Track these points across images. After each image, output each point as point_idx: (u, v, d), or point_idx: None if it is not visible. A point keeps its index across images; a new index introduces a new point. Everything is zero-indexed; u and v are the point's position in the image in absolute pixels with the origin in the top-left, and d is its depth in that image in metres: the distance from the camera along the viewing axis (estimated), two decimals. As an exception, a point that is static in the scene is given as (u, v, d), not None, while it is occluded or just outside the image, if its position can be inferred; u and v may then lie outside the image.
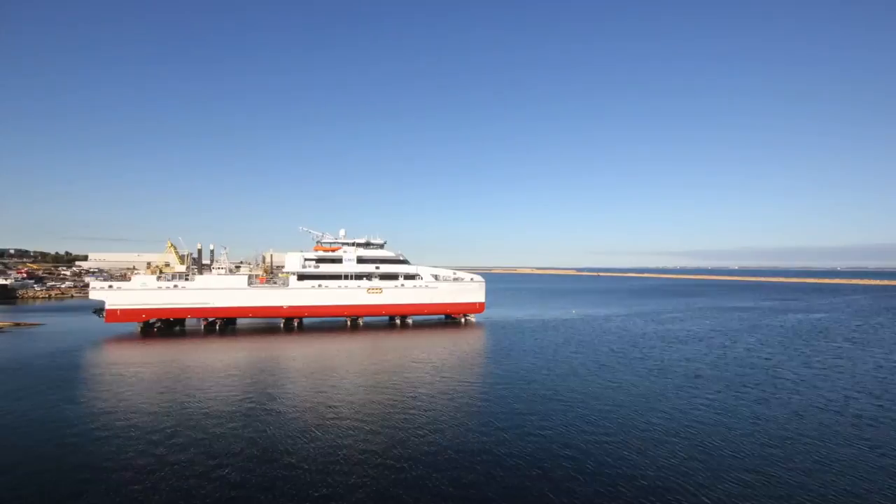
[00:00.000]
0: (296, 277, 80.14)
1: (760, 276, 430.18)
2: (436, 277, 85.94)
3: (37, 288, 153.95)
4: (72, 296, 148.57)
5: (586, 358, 54.61)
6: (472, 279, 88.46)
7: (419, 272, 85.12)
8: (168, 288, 75.61)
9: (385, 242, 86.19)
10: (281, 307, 78.81)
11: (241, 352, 59.38)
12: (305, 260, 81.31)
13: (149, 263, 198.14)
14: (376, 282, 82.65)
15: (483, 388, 41.70)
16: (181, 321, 79.32)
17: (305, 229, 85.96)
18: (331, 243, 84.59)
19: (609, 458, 26.45)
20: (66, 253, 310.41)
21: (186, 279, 78.75)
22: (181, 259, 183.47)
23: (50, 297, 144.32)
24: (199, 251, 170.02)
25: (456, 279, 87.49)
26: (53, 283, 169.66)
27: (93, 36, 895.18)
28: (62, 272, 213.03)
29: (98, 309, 75.27)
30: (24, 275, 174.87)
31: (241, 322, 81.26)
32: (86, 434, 29.80)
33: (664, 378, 45.15)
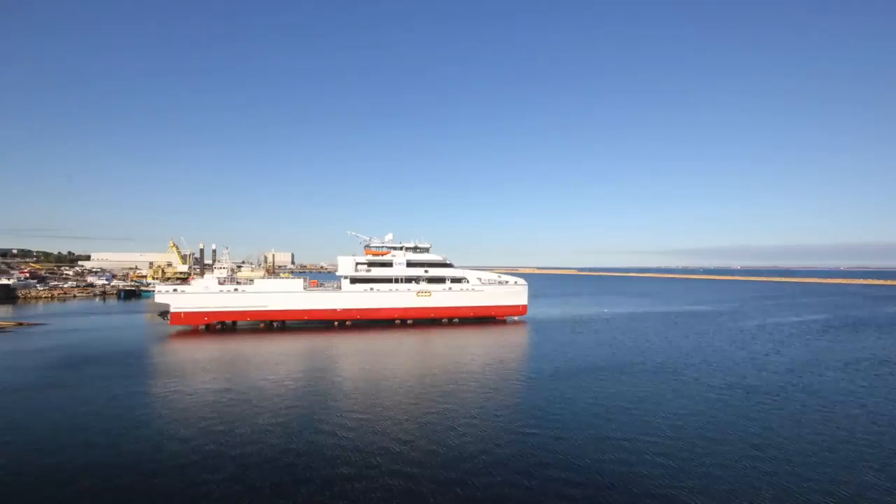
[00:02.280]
0: (348, 281, 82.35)
1: (763, 276, 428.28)
2: (481, 280, 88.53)
3: (39, 288, 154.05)
4: (74, 296, 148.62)
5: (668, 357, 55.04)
6: (515, 282, 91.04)
7: (465, 275, 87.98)
8: (228, 291, 77.72)
9: (430, 246, 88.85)
10: (335, 310, 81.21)
11: (300, 345, 63.45)
12: (357, 264, 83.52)
13: (151, 263, 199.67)
14: (424, 285, 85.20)
15: (538, 383, 42.93)
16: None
17: (353, 233, 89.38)
18: (378, 247, 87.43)
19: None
20: (69, 253, 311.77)
21: (240, 283, 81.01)
22: (183, 259, 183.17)
23: (52, 296, 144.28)
24: (202, 251, 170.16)
25: (500, 282, 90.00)
26: (56, 282, 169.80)
27: (94, 34, 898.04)
28: (65, 272, 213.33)
29: (163, 312, 77.58)
30: (27, 275, 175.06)
31: (289, 321, 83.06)
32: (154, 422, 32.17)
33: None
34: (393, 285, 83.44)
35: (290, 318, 79.74)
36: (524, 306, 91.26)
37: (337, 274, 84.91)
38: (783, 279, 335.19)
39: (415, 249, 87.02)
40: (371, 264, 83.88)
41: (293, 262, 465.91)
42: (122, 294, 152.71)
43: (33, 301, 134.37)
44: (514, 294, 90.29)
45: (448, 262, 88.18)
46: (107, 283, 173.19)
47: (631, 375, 45.57)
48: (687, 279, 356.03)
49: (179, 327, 76.02)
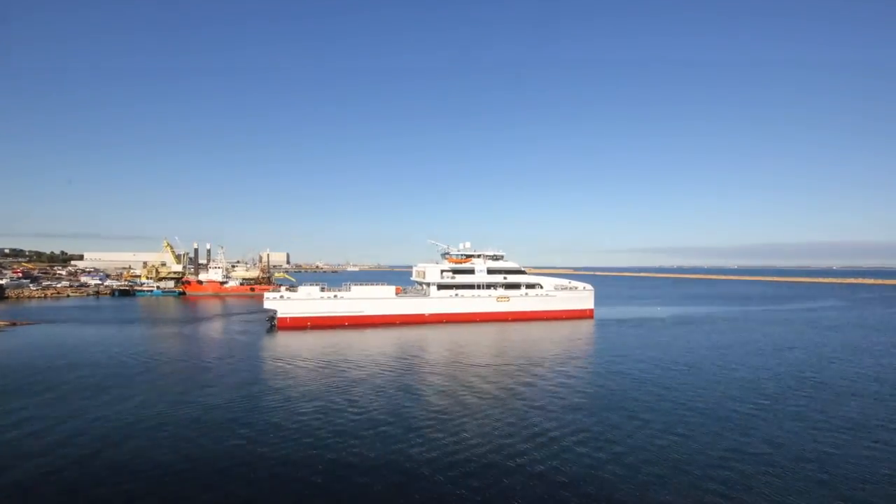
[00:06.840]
0: (435, 287, 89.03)
1: (762, 275, 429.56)
2: (553, 286, 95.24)
3: (32, 287, 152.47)
4: (68, 295, 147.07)
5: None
6: (584, 288, 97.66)
7: (540, 282, 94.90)
8: (329, 298, 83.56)
9: (504, 254, 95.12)
10: (423, 314, 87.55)
11: (395, 336, 71.13)
12: (443, 271, 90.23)
13: (145, 263, 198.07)
14: (502, 291, 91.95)
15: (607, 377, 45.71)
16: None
17: (432, 241, 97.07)
18: (457, 255, 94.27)
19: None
20: (62, 252, 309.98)
21: (339, 290, 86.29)
22: (178, 258, 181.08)
23: (45, 296, 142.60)
24: (196, 250, 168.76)
25: (571, 288, 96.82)
26: (49, 282, 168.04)
27: (91, 34, 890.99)
28: (58, 272, 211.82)
29: (271, 316, 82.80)
30: (20, 274, 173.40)
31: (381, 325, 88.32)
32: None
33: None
34: (475, 291, 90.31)
35: (383, 322, 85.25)
36: (591, 310, 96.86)
37: (421, 280, 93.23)
38: (795, 279, 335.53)
39: (493, 257, 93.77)
40: (455, 272, 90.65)
41: (288, 262, 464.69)
42: (116, 293, 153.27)
43: (25, 300, 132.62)
44: (583, 299, 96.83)
45: (522, 269, 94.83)
46: (100, 282, 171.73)
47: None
48: (693, 279, 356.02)
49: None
